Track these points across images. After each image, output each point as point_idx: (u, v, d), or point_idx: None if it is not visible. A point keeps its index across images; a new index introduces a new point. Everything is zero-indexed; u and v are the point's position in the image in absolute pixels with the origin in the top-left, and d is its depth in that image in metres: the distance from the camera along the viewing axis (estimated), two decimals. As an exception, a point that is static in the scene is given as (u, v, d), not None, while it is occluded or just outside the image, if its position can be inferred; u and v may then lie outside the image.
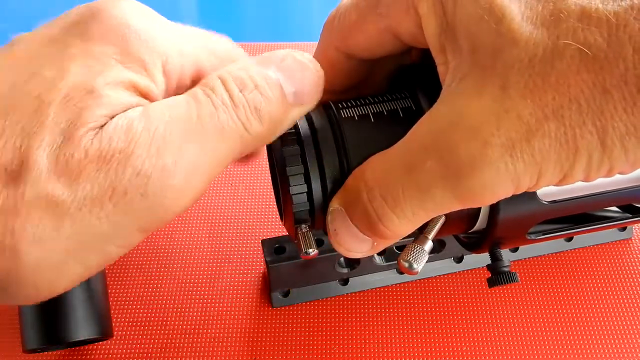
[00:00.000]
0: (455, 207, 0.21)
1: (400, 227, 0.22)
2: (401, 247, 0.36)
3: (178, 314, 0.37)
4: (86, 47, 0.20)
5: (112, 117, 0.19)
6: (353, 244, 0.23)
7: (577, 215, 0.29)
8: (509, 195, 0.20)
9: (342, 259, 0.37)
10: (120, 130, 0.19)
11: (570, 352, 0.36)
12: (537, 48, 0.18)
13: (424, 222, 0.22)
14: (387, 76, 0.29)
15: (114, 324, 0.36)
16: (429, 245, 0.25)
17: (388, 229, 0.22)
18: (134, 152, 0.19)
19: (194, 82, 0.23)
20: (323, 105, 0.26)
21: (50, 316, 0.32)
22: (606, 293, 0.38)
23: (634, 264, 0.40)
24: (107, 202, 0.18)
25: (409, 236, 0.24)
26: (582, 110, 0.18)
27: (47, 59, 0.20)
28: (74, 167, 0.18)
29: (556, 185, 0.20)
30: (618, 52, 0.17)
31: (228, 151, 0.21)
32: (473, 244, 0.28)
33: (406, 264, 0.24)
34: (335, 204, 0.23)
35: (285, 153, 0.24)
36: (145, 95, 0.21)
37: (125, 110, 0.20)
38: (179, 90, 0.23)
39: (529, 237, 0.27)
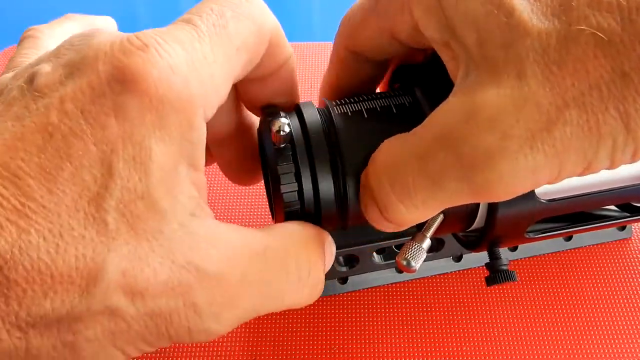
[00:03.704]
0: (469, 200, 0.20)
1: (408, 217, 0.22)
2: (400, 247, 0.36)
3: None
4: (125, 129, 0.19)
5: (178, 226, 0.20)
6: (378, 221, 0.23)
7: (576, 214, 0.29)
8: (526, 190, 0.19)
9: (340, 257, 0.37)
10: (194, 265, 0.20)
11: (570, 351, 0.36)
12: (550, 37, 0.18)
13: (436, 212, 0.22)
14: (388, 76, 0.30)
15: None
16: (427, 243, 0.25)
17: (395, 218, 0.22)
18: (200, 291, 0.20)
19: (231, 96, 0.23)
20: (318, 105, 0.26)
21: None
22: (606, 293, 0.38)
23: (633, 263, 0.40)
24: (162, 324, 0.19)
25: (406, 234, 0.24)
26: (603, 96, 0.17)
27: (84, 146, 0.18)
28: (142, 287, 0.19)
29: (580, 174, 0.19)
30: (634, 34, 0.17)
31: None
32: (471, 242, 0.28)
33: (404, 262, 0.24)
34: (360, 188, 0.24)
35: (277, 152, 0.24)
36: (189, 158, 0.21)
37: (191, 214, 0.20)
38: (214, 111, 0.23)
39: (527, 236, 0.27)
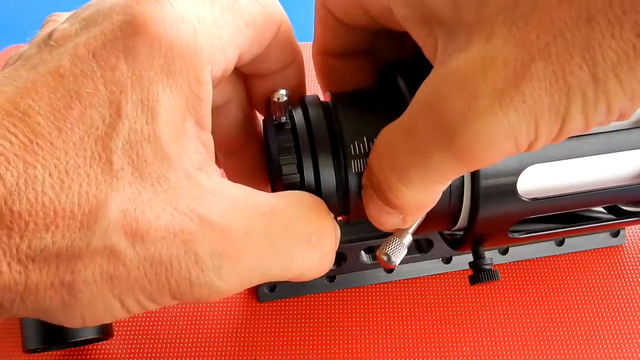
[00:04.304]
0: (459, 168, 0.20)
1: (411, 196, 0.21)
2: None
3: (176, 312, 0.37)
4: (134, 71, 0.19)
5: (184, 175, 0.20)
6: (382, 217, 0.23)
7: (563, 216, 0.29)
8: (512, 152, 0.19)
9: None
10: (196, 213, 0.20)
11: (562, 355, 0.35)
12: None
13: (438, 189, 0.22)
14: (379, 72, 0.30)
15: (114, 324, 0.36)
16: (408, 239, 0.25)
17: (399, 199, 0.22)
18: (202, 240, 0.20)
19: (236, 63, 0.24)
20: (319, 100, 0.27)
21: None
22: (598, 299, 0.38)
23: (626, 270, 0.39)
24: (162, 272, 0.19)
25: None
26: (567, 44, 0.17)
27: (94, 86, 0.19)
28: (143, 230, 0.19)
29: (558, 137, 0.19)
30: None
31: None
32: (456, 241, 0.28)
33: (384, 257, 0.24)
34: (363, 179, 0.24)
35: (279, 143, 0.25)
36: (197, 114, 0.21)
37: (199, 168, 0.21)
38: (223, 78, 0.23)
39: (511, 236, 0.27)
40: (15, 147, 0.17)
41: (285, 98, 0.24)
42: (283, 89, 0.25)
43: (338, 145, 0.25)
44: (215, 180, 0.21)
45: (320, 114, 0.26)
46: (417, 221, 0.25)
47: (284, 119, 0.25)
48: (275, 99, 0.24)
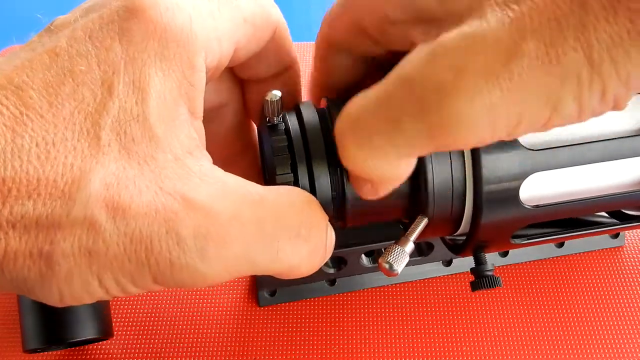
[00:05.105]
0: (428, 145, 0.19)
1: (370, 166, 0.20)
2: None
3: (175, 313, 0.37)
4: (128, 53, 0.20)
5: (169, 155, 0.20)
6: (354, 180, 0.23)
7: (565, 221, 0.28)
8: (487, 136, 0.18)
9: (329, 259, 0.37)
10: (180, 193, 0.20)
11: (561, 356, 0.35)
12: None
13: (402, 164, 0.21)
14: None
15: (114, 324, 0.36)
16: (410, 246, 0.24)
17: (355, 166, 0.21)
18: (185, 220, 0.19)
19: (232, 61, 0.24)
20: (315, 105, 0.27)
21: (50, 316, 0.32)
22: (598, 299, 0.38)
23: (626, 271, 0.39)
24: (141, 249, 0.19)
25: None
26: (562, 27, 0.17)
27: (88, 65, 0.20)
28: (125, 204, 0.19)
29: (547, 124, 0.18)
30: None
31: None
32: (458, 247, 0.28)
33: (386, 265, 0.24)
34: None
35: (272, 143, 0.25)
36: (189, 102, 0.21)
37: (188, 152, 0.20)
38: (217, 72, 0.24)
39: (513, 242, 0.27)
40: (5, 118, 0.18)
41: (278, 97, 0.24)
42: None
43: (334, 152, 0.24)
44: (205, 165, 0.21)
45: (315, 118, 0.25)
46: (419, 229, 0.25)
47: (276, 119, 0.25)
48: (269, 99, 0.24)
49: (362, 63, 0.27)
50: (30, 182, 0.18)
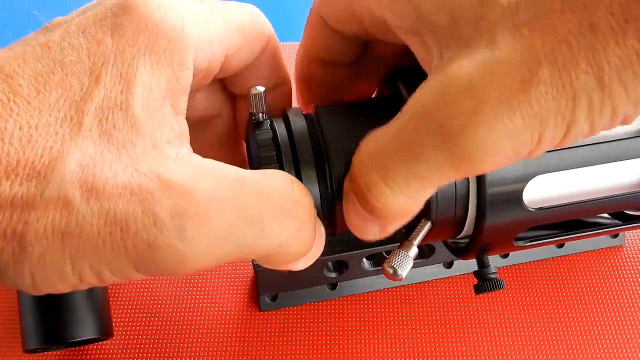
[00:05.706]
0: (452, 173, 0.19)
1: (394, 201, 0.20)
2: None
3: (176, 314, 0.37)
4: (118, 46, 0.20)
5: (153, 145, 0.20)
6: (361, 223, 0.22)
7: (567, 222, 0.28)
8: (510, 159, 0.19)
9: (330, 263, 0.37)
10: (156, 174, 0.19)
11: (562, 356, 0.35)
12: (518, 3, 0.18)
13: (422, 196, 0.21)
14: (376, 82, 0.29)
15: (114, 324, 0.36)
16: (414, 251, 0.24)
17: (380, 203, 0.21)
18: (161, 200, 0.19)
19: (224, 70, 0.24)
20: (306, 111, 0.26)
21: (50, 316, 0.32)
22: (598, 299, 0.38)
23: (626, 270, 0.39)
24: (116, 231, 0.19)
25: (397, 241, 0.24)
26: (573, 51, 0.17)
27: (78, 56, 0.20)
28: (99, 186, 0.19)
29: (562, 141, 0.18)
30: None
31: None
32: (460, 250, 0.28)
33: (390, 270, 0.24)
34: (345, 183, 0.23)
35: (257, 136, 0.25)
36: (173, 97, 0.21)
37: (169, 140, 0.21)
38: (208, 76, 0.24)
39: (516, 244, 0.27)
40: None
41: (262, 90, 0.25)
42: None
43: (323, 157, 0.24)
44: (182, 151, 0.21)
45: (302, 123, 0.25)
46: (422, 232, 0.25)
47: (261, 116, 0.25)
48: (253, 92, 0.25)
49: (351, 41, 0.27)
50: (10, 163, 0.18)
